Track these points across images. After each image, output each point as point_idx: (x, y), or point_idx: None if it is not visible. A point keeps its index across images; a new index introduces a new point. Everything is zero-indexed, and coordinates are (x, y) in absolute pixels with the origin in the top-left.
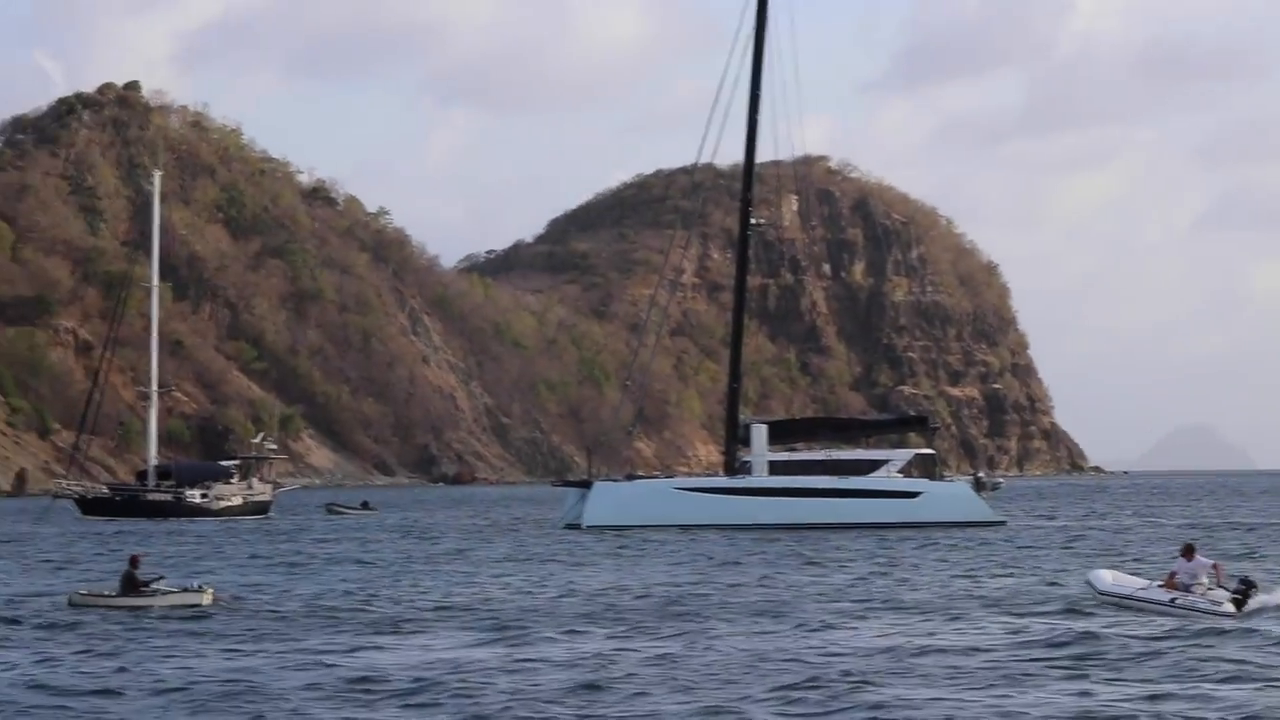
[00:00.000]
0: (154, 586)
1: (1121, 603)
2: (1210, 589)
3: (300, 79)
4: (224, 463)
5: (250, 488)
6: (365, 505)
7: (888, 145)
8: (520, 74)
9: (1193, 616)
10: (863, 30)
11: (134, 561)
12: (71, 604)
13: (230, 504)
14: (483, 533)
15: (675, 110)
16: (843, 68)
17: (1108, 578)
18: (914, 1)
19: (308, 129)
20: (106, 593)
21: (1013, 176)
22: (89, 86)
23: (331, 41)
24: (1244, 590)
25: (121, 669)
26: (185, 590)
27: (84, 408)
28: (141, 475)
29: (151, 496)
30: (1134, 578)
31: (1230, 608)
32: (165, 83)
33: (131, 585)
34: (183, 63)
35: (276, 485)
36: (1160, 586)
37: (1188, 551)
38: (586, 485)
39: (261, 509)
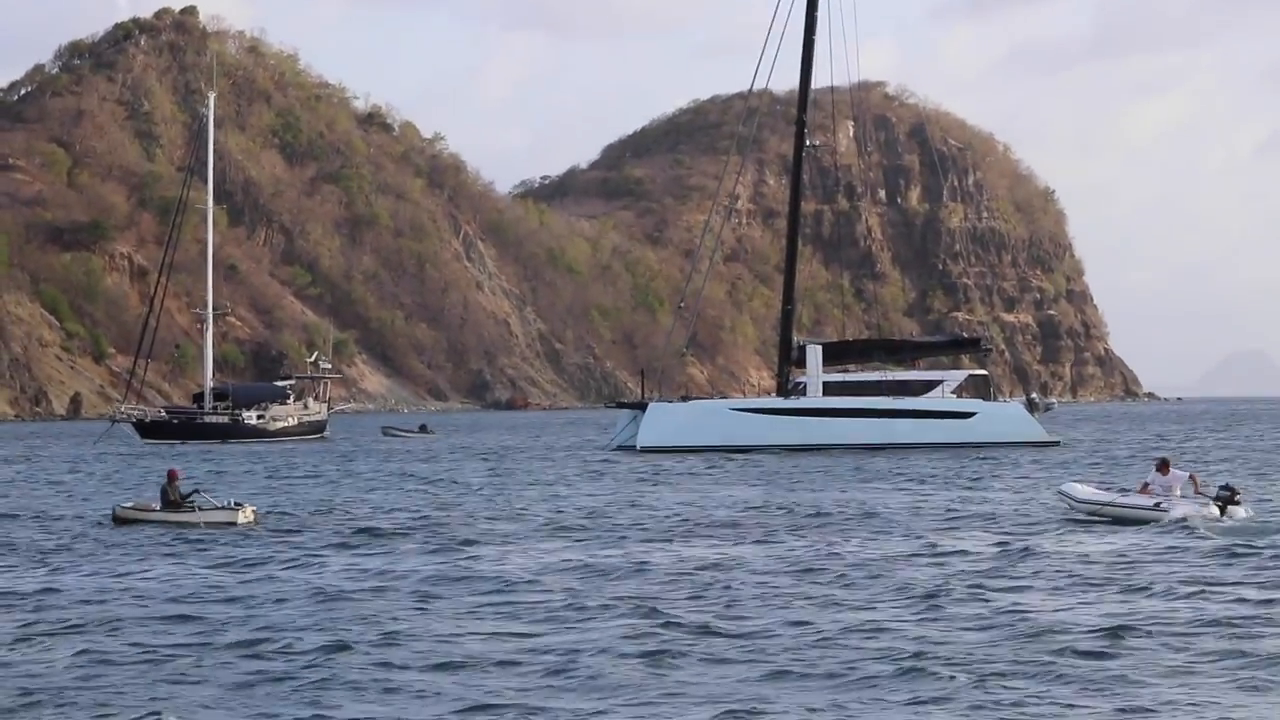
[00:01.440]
0: (193, 500)
1: (1102, 510)
2: (1168, 498)
3: (364, 4)
4: (280, 383)
5: (306, 408)
6: (423, 429)
7: (954, 70)
8: None
9: (1178, 518)
10: None
11: (171, 476)
12: (116, 518)
13: (286, 425)
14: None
15: (741, 35)
16: None
17: (1083, 490)
18: None
19: (370, 55)
20: (149, 506)
21: (1078, 102)
22: (150, 11)
23: None
24: (1228, 495)
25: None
26: (224, 507)
27: (140, 333)
28: (198, 398)
29: (209, 419)
30: (1105, 491)
31: (1214, 511)
32: (229, 8)
33: (170, 500)
34: None
35: (331, 407)
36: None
37: (1163, 466)
38: (642, 407)
39: (318, 429)
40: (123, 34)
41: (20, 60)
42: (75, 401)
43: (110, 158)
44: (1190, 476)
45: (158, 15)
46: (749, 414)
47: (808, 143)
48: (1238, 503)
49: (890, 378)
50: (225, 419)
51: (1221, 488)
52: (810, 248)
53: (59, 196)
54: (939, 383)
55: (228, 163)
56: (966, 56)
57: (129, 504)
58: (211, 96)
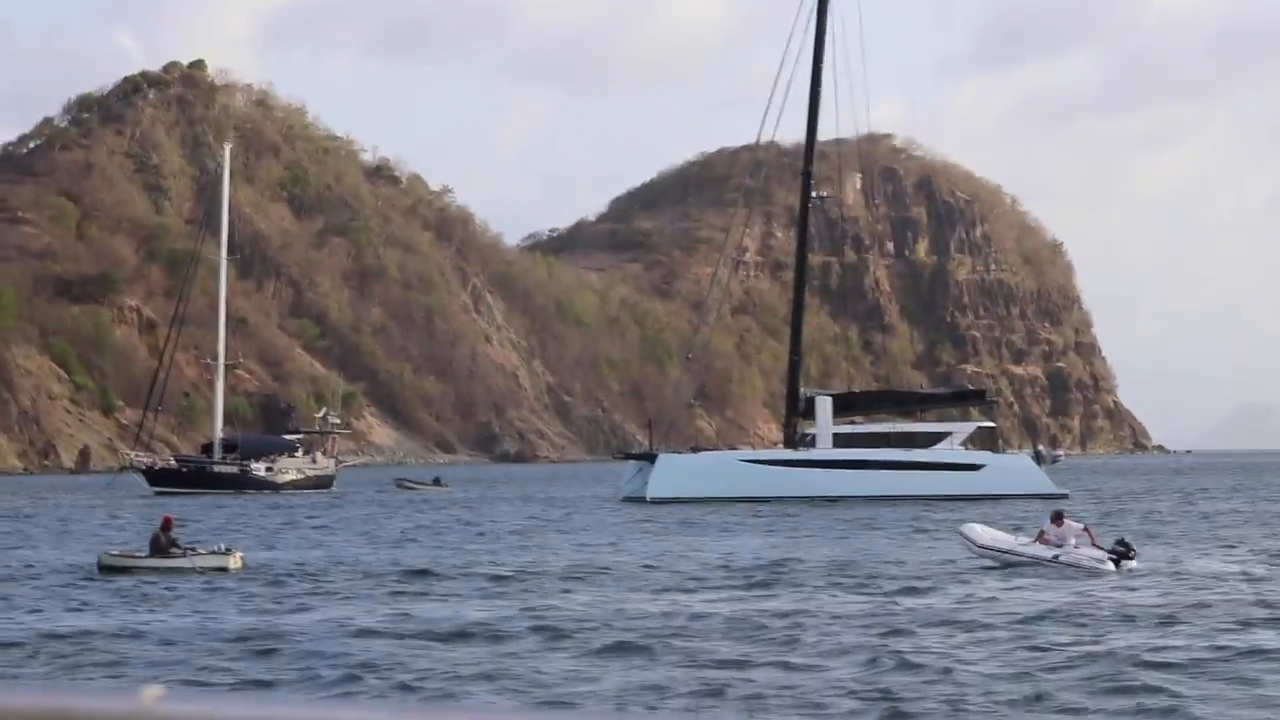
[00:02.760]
0: (183, 548)
1: (1002, 557)
2: (1067, 550)
3: (380, 60)
4: (288, 436)
5: (314, 462)
6: (437, 481)
7: (963, 123)
8: (599, 53)
9: (1074, 571)
10: (943, 7)
11: (166, 524)
12: (101, 566)
13: (294, 478)
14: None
15: (753, 89)
16: (922, 45)
17: (983, 532)
18: None
19: (381, 108)
20: (136, 554)
21: (1087, 155)
22: (158, 65)
23: (413, 21)
24: (1122, 550)
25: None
26: (213, 553)
27: (150, 385)
28: (207, 448)
29: (217, 469)
30: (1005, 534)
31: (1110, 566)
32: (245, 63)
33: (160, 547)
34: (263, 43)
35: (339, 461)
36: (1033, 542)
37: (1057, 518)
38: (651, 458)
39: (325, 483)
40: (131, 87)
41: (29, 113)
42: (84, 454)
43: (119, 211)
44: (1085, 529)
45: (166, 69)
46: (759, 465)
47: (814, 194)
48: (1132, 557)
49: (899, 429)
50: (234, 469)
51: (1117, 542)
52: (818, 300)
53: (68, 249)
54: (947, 435)
55: (236, 215)
56: (975, 109)
57: (115, 551)
58: (226, 148)
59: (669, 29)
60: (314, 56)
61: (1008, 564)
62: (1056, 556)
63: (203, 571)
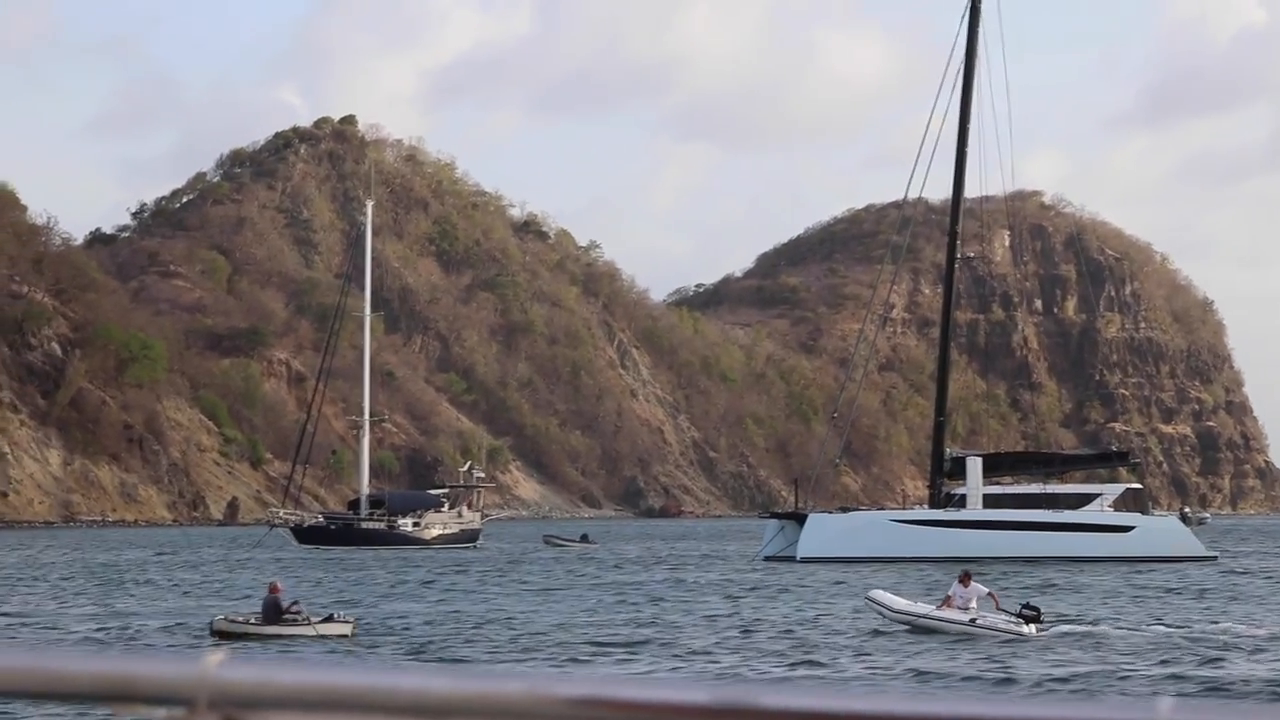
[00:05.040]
0: (294, 614)
1: (917, 622)
2: (983, 614)
3: (540, 117)
4: (434, 492)
5: (460, 516)
6: (584, 538)
7: (1121, 179)
8: (757, 109)
9: (993, 635)
10: (1107, 64)
11: (274, 589)
12: (214, 631)
13: (441, 533)
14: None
15: (905, 145)
16: (1084, 102)
17: (896, 598)
18: (1164, 35)
19: (538, 166)
20: (250, 620)
21: (1249, 213)
22: (310, 120)
23: (575, 79)
24: (1031, 614)
25: None
26: (329, 620)
27: (297, 438)
28: (354, 504)
29: (365, 525)
30: (915, 603)
31: (1029, 629)
32: (406, 119)
33: (275, 613)
34: (427, 99)
35: (484, 515)
36: (937, 608)
37: (965, 578)
38: (795, 517)
39: (471, 538)
40: (283, 143)
41: (195, 167)
42: (232, 506)
43: (269, 265)
44: (990, 593)
45: (318, 124)
46: (909, 525)
47: (960, 254)
48: (1041, 621)
49: (1048, 491)
50: (381, 525)
51: (1025, 606)
52: (965, 357)
53: (219, 303)
54: (1097, 496)
55: (384, 270)
56: (1135, 165)
57: (224, 616)
58: (369, 205)
59: (827, 85)
60: (475, 113)
61: (923, 629)
62: (974, 620)
63: (320, 637)
